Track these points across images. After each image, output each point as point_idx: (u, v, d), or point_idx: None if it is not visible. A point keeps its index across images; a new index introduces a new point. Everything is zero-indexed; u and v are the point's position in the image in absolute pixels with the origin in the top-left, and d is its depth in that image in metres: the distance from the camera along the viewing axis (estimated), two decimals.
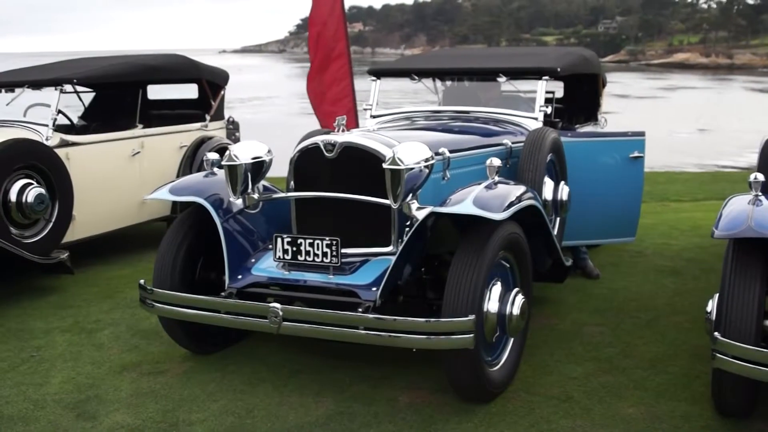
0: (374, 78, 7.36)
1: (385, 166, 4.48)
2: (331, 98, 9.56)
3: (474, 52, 9.92)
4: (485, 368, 4.52)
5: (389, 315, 4.34)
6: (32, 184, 6.82)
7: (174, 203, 8.40)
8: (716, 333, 4.00)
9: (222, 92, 9.66)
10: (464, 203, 4.41)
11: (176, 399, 4.79)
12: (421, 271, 4.91)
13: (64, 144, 7.40)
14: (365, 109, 7.26)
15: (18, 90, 7.76)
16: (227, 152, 5.05)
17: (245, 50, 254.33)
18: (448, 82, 7.82)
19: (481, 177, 4.88)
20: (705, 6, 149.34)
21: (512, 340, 4.83)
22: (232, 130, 9.91)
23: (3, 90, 7.86)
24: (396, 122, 6.79)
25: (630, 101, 41.72)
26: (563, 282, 5.98)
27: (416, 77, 7.28)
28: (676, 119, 31.51)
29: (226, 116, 9.82)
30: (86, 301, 6.76)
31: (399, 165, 4.43)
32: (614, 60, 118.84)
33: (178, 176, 8.51)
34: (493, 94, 7.29)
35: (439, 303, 4.61)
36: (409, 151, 4.52)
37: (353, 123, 8.85)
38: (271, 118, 25.34)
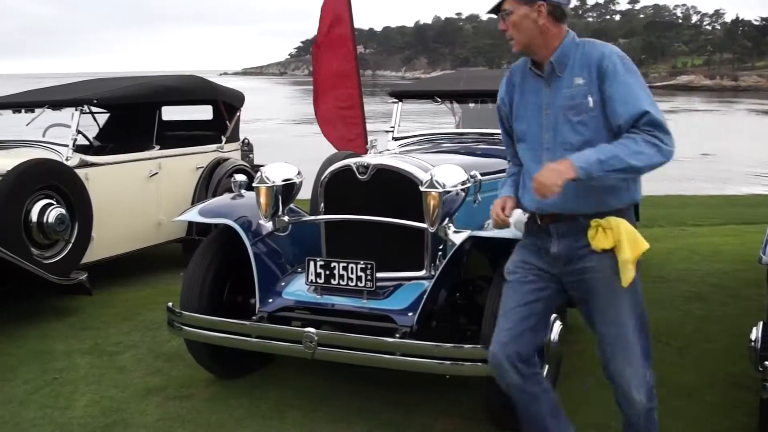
0: (396, 100, 7.30)
1: (423, 189, 4.42)
2: (342, 120, 9.51)
3: (491, 74, 9.87)
4: None
5: (423, 340, 4.26)
6: (53, 204, 6.76)
7: (190, 225, 8.34)
8: (767, 362, 3.89)
9: (238, 114, 9.57)
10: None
11: (204, 424, 4.70)
12: (455, 296, 4.83)
13: (84, 164, 7.34)
14: (387, 132, 7.20)
15: (38, 110, 7.71)
16: (258, 174, 4.99)
17: (246, 72, 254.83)
18: (471, 105, 7.76)
19: None
20: (709, 28, 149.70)
21: (547, 366, 4.74)
22: (247, 151, 9.86)
23: (23, 110, 7.83)
24: (419, 144, 6.72)
25: None
26: None
27: (439, 99, 7.24)
28: (682, 143, 31.41)
29: (241, 137, 9.77)
30: (105, 323, 6.67)
31: (437, 188, 4.36)
32: None
33: (194, 198, 8.46)
34: None
35: (472, 328, 4.53)
36: (447, 174, 4.46)
37: (362, 145, 8.68)
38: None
